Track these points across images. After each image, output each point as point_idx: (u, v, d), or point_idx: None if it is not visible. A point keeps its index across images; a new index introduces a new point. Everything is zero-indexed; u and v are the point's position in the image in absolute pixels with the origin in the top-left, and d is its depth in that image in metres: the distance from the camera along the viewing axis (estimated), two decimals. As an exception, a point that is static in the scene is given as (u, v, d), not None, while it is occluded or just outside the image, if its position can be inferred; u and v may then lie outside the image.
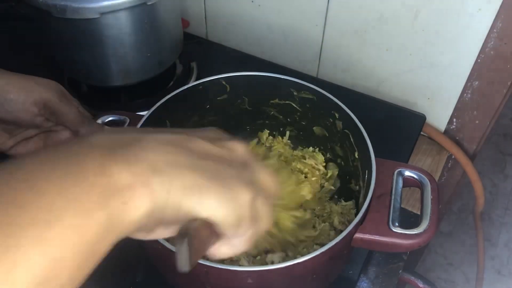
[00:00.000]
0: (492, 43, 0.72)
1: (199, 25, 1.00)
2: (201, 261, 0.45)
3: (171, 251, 0.46)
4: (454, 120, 0.84)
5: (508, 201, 1.86)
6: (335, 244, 0.47)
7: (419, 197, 0.54)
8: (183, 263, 0.30)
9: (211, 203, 0.31)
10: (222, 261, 0.55)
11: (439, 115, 0.85)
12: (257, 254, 0.58)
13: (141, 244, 0.55)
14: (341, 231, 0.48)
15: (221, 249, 0.34)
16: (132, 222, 0.28)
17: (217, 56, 0.96)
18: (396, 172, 0.56)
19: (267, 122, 0.72)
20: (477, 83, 0.78)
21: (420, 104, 0.85)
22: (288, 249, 0.58)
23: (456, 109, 0.83)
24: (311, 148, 0.70)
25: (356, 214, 0.54)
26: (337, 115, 0.62)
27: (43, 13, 0.67)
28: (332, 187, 0.67)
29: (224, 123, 0.71)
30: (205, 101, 0.67)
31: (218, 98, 0.67)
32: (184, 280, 0.54)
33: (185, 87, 0.63)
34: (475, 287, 1.19)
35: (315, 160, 0.68)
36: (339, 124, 0.63)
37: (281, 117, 0.70)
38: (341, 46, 0.86)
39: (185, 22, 0.98)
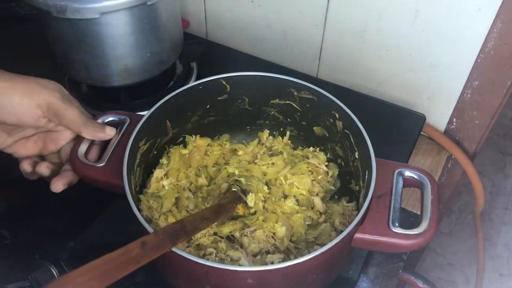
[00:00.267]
0: (492, 43, 0.72)
1: (199, 25, 1.00)
2: (201, 261, 0.45)
3: (171, 251, 0.46)
4: (454, 120, 0.84)
5: (508, 201, 1.86)
6: (335, 244, 0.47)
7: (419, 197, 0.54)
8: None
9: None
10: (222, 261, 0.55)
11: (439, 115, 0.85)
12: (257, 254, 0.58)
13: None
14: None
15: None
16: None
17: (217, 56, 0.96)
18: (396, 172, 0.56)
19: (267, 122, 0.72)
20: (477, 83, 0.78)
21: (420, 104, 0.85)
22: (289, 253, 0.58)
23: (456, 109, 0.83)
24: (311, 148, 0.70)
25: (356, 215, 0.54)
26: (337, 115, 0.62)
27: (43, 13, 0.67)
28: (332, 187, 0.67)
29: (224, 123, 0.71)
30: (205, 101, 0.67)
31: (218, 98, 0.67)
32: (184, 280, 0.54)
33: (185, 87, 0.63)
34: (475, 287, 1.19)
35: (318, 159, 0.68)
36: (339, 124, 0.63)
37: (281, 117, 0.70)
38: (341, 46, 0.86)
39: (185, 22, 0.98)
